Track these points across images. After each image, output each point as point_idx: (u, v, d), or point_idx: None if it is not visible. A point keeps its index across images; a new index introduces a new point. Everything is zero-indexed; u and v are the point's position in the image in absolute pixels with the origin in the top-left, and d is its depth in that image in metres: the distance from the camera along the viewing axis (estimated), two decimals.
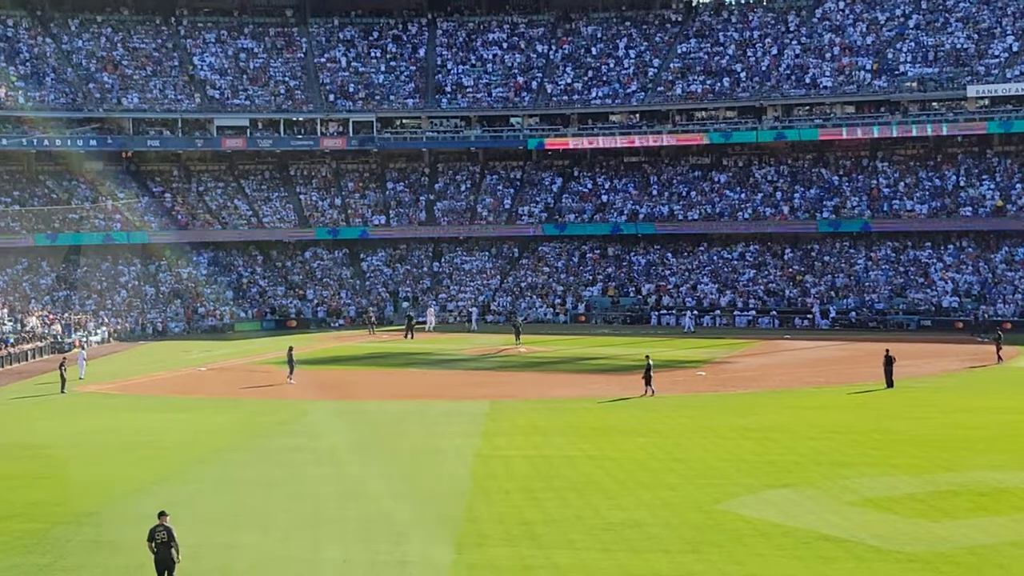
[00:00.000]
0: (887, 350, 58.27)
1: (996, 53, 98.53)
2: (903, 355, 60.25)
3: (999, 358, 66.95)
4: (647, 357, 57.33)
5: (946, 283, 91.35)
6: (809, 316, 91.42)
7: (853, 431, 45.48)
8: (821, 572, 27.08)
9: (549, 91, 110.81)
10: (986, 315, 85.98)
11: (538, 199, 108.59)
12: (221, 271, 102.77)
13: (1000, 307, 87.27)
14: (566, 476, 37.80)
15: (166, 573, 25.87)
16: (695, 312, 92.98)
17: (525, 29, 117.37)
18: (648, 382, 55.86)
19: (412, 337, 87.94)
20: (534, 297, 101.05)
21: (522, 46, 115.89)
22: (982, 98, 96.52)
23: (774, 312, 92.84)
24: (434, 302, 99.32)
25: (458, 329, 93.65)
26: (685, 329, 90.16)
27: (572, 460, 40.42)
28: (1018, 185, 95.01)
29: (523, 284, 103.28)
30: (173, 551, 25.85)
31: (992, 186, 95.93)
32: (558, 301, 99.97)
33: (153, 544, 25.96)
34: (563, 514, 32.87)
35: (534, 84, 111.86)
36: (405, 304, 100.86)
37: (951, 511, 32.25)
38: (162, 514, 26.28)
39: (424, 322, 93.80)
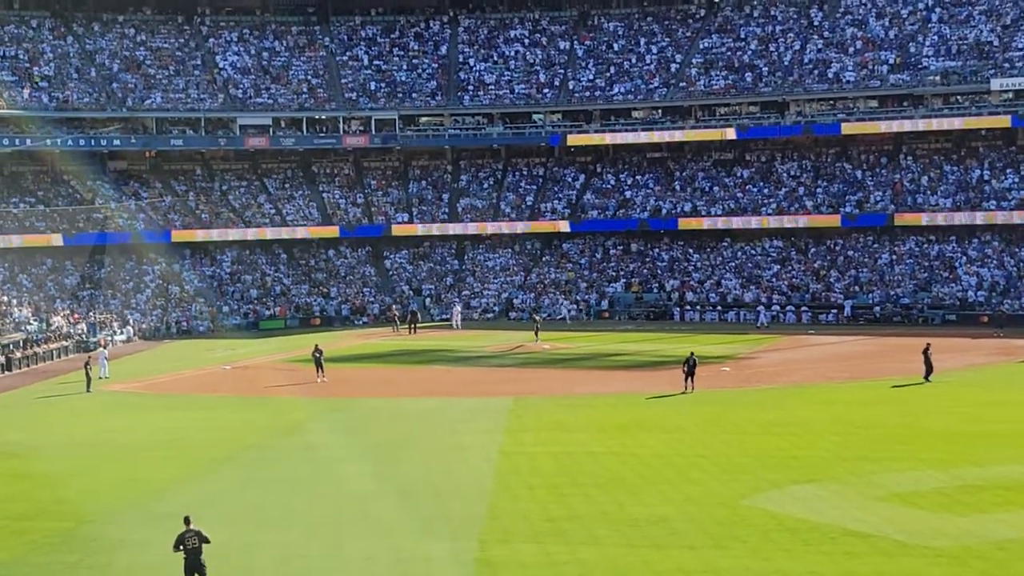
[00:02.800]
0: (928, 344, 58.36)
1: (1020, 46, 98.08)
2: (932, 350, 59.91)
3: None
4: (692, 354, 56.95)
5: (971, 277, 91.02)
6: (834, 310, 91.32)
7: (879, 426, 45.39)
8: (847, 567, 27.02)
9: (571, 87, 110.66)
10: (1009, 309, 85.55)
11: (561, 195, 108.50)
12: (245, 270, 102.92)
13: None
14: (590, 472, 37.79)
15: None
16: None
17: (547, 25, 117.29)
18: (690, 377, 55.65)
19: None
20: (557, 294, 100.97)
21: (544, 42, 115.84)
22: (1006, 91, 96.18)
23: (791, 307, 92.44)
24: (458, 300, 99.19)
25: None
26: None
27: (596, 456, 40.41)
28: None
29: (546, 281, 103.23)
30: (203, 557, 25.83)
31: (1016, 179, 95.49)
32: (580, 297, 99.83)
33: (182, 550, 25.92)
34: (588, 510, 32.87)
35: (556, 81, 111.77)
36: (426, 301, 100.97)
37: (978, 505, 32.16)
38: (187, 520, 26.22)
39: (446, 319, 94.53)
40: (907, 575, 26.52)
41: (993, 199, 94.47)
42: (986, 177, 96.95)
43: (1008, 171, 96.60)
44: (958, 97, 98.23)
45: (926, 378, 56.86)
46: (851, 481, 35.55)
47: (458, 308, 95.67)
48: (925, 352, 57.48)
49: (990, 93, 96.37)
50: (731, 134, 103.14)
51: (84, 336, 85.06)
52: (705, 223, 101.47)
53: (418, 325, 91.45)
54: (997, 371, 62.99)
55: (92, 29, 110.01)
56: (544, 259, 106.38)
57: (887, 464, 37.96)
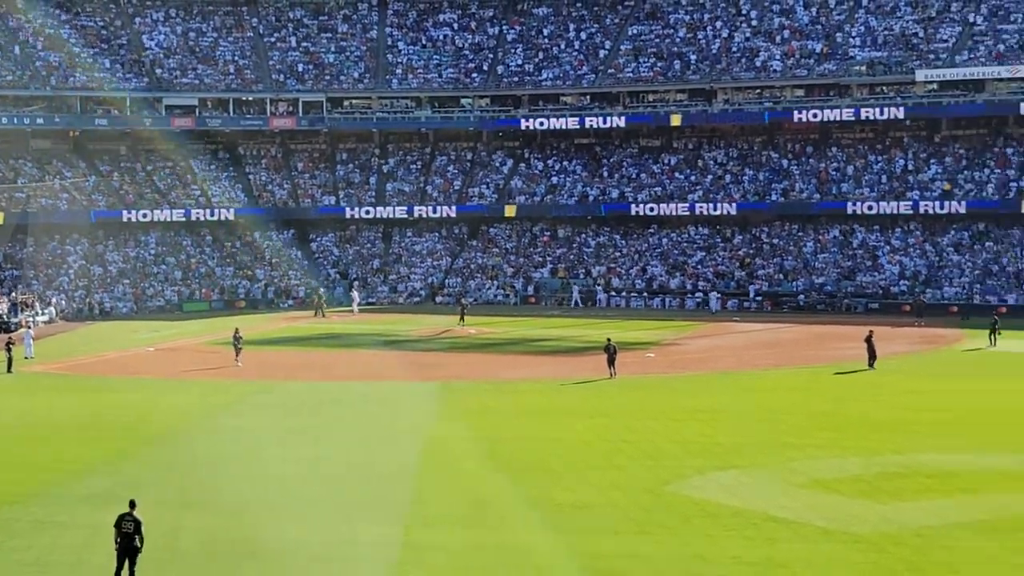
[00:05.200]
0: (871, 331, 58.90)
1: (944, 38, 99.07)
2: (854, 338, 60.56)
3: (993, 342, 67.10)
4: (608, 340, 57.17)
5: (894, 266, 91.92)
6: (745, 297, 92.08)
7: (802, 413, 45.78)
8: (768, 553, 27.25)
9: (500, 72, 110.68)
10: (930, 298, 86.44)
11: (488, 180, 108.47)
12: (169, 251, 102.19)
13: (947, 290, 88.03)
14: (516, 458, 37.86)
15: (127, 560, 25.76)
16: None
17: (476, 10, 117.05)
18: (611, 364, 55.77)
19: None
20: (483, 279, 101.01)
21: (473, 27, 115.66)
22: (931, 82, 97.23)
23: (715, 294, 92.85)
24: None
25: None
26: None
27: (522, 442, 40.48)
28: (965, 170, 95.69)
29: (473, 265, 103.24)
30: (137, 542, 25.78)
31: (940, 170, 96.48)
32: (506, 281, 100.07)
33: (117, 532, 25.87)
34: (513, 495, 32.96)
35: (485, 65, 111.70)
36: (353, 283, 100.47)
37: (898, 493, 32.51)
38: (132, 504, 26.19)
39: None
40: (827, 561, 26.78)
41: (916, 189, 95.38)
42: (910, 167, 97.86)
43: (932, 162, 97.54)
44: (884, 87, 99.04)
45: (870, 365, 57.39)
46: (774, 467, 35.85)
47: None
48: (868, 339, 57.91)
49: (915, 84, 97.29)
50: (658, 121, 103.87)
51: (5, 316, 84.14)
52: (632, 210, 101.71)
53: (325, 310, 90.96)
54: (918, 360, 63.71)
55: (16, 6, 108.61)
56: (471, 244, 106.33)
57: (810, 451, 38.32)
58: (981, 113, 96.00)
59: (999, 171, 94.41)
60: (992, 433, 41.43)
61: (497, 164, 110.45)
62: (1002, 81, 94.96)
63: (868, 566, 26.43)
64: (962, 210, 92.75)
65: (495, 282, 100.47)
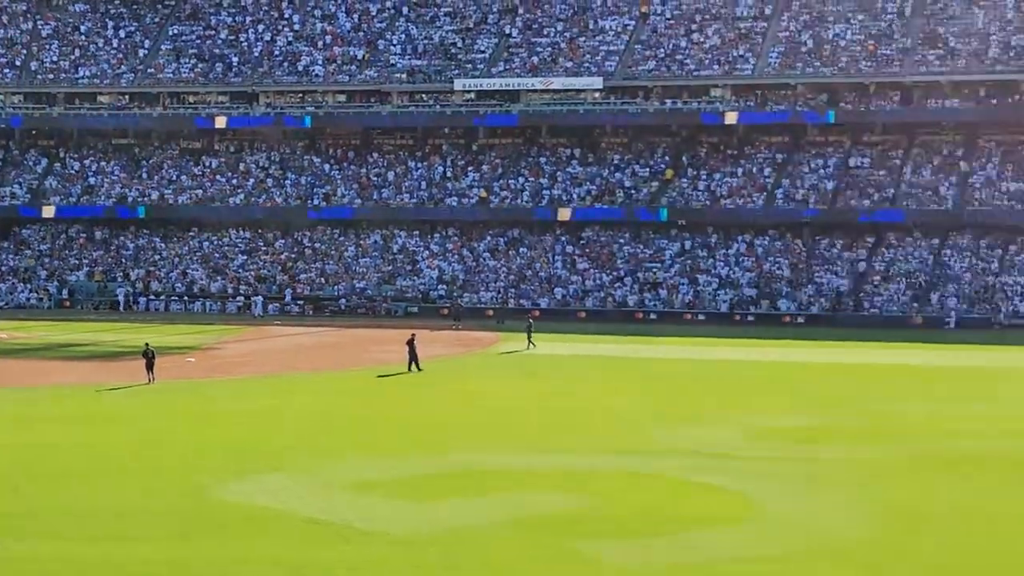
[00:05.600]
0: (412, 334, 59.37)
1: (482, 48, 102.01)
2: (396, 341, 61.49)
3: (530, 344, 68.84)
4: (147, 344, 55.98)
5: (433, 271, 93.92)
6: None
7: (344, 416, 46.20)
8: (308, 556, 27.22)
9: (34, 69, 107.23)
10: (467, 302, 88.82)
11: (21, 180, 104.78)
12: None
13: (483, 294, 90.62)
14: (50, 465, 36.61)
15: None
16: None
17: (8, 3, 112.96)
18: (150, 369, 54.54)
19: None
20: (15, 282, 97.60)
21: (5, 21, 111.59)
22: (468, 92, 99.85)
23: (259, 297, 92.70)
24: None
25: None
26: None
27: (56, 449, 39.19)
28: (501, 178, 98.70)
29: (4, 268, 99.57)
30: None
31: (477, 178, 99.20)
32: (40, 285, 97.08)
33: None
34: (45, 504, 31.81)
35: (18, 61, 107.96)
36: None
37: (436, 493, 33.07)
38: None
39: None
40: (366, 562, 26.95)
41: (455, 196, 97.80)
42: (448, 174, 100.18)
43: (469, 169, 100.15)
44: (424, 95, 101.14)
45: (410, 368, 58.05)
46: (315, 470, 35.91)
47: None
48: (410, 343, 58.63)
49: (453, 93, 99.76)
50: (199, 123, 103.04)
51: None
52: (172, 212, 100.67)
53: None
54: (457, 362, 65.38)
55: None
56: (2, 245, 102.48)
57: (351, 453, 38.64)
58: (516, 123, 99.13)
59: (532, 180, 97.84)
60: (528, 433, 42.76)
61: (31, 163, 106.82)
62: (535, 92, 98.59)
63: (406, 566, 26.73)
64: (498, 217, 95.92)
65: (28, 285, 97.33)
